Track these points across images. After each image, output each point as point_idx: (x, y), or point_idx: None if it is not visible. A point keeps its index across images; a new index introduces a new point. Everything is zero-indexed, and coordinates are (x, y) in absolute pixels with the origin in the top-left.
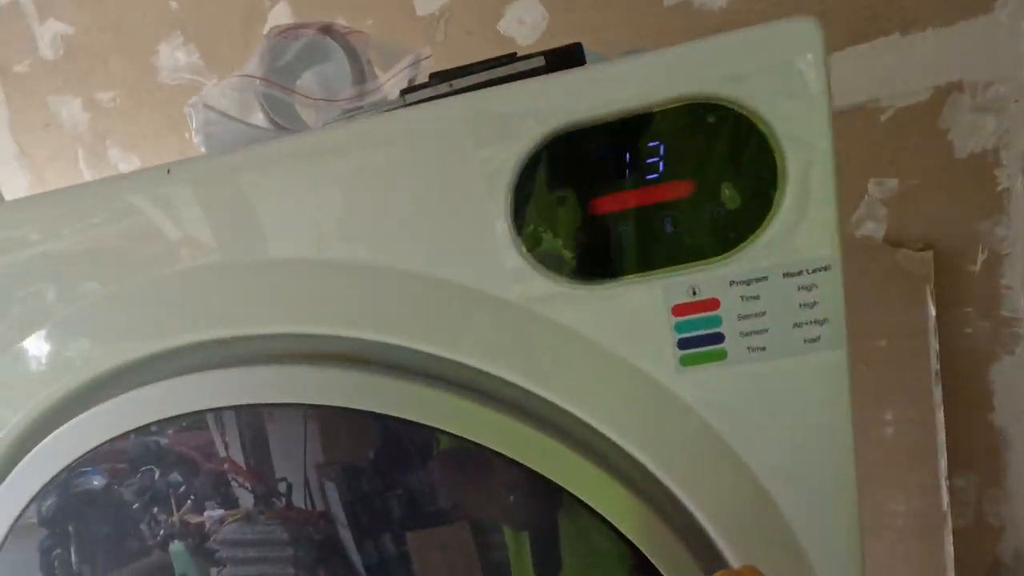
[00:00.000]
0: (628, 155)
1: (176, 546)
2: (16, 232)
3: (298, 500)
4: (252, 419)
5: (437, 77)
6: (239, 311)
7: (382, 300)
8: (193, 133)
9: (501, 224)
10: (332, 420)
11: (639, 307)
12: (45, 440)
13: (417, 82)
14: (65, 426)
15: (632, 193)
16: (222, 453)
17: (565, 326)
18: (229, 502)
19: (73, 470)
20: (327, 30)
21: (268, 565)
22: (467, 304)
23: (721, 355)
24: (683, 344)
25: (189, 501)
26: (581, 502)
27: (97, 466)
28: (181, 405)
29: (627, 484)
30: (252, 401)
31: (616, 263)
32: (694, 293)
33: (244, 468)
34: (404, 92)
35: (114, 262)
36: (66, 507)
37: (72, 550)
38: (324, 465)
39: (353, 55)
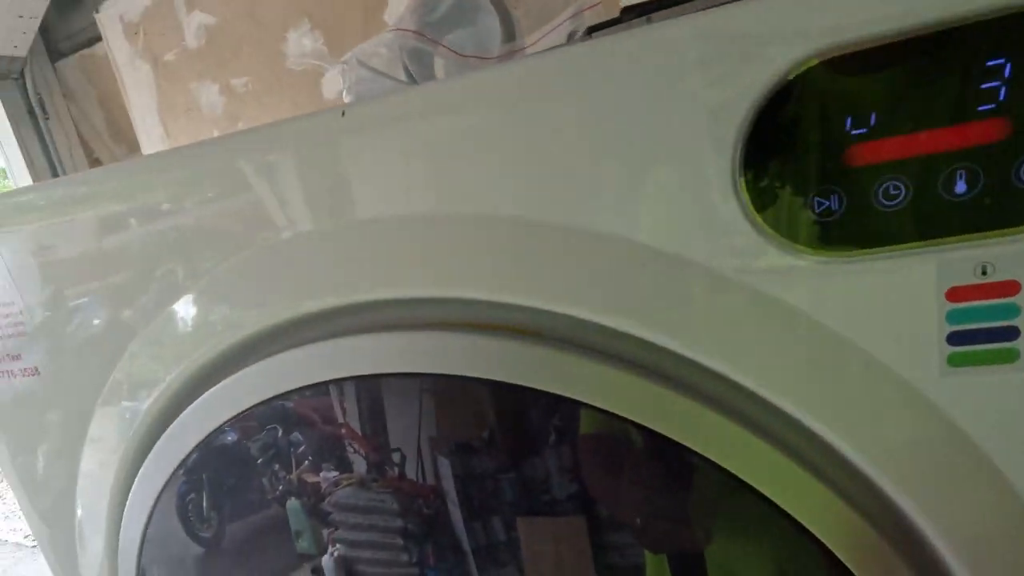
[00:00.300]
0: (914, 87)
1: (293, 503)
2: (151, 197)
3: (411, 472)
4: (371, 386)
5: (632, 11)
6: (396, 272)
7: (561, 265)
8: (344, 92)
9: (724, 176)
10: (458, 392)
11: (899, 288)
12: (201, 399)
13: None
14: (220, 386)
15: (913, 137)
16: (340, 419)
17: (792, 306)
18: (344, 466)
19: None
20: None
21: (377, 533)
22: (667, 275)
23: (1010, 356)
24: (955, 339)
25: (307, 461)
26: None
27: (234, 423)
28: (340, 369)
29: (848, 500)
30: (414, 370)
31: (875, 231)
32: (984, 273)
33: (360, 434)
34: (592, 29)
35: (252, 223)
36: (202, 456)
37: (204, 495)
38: (441, 439)
39: (504, 11)
